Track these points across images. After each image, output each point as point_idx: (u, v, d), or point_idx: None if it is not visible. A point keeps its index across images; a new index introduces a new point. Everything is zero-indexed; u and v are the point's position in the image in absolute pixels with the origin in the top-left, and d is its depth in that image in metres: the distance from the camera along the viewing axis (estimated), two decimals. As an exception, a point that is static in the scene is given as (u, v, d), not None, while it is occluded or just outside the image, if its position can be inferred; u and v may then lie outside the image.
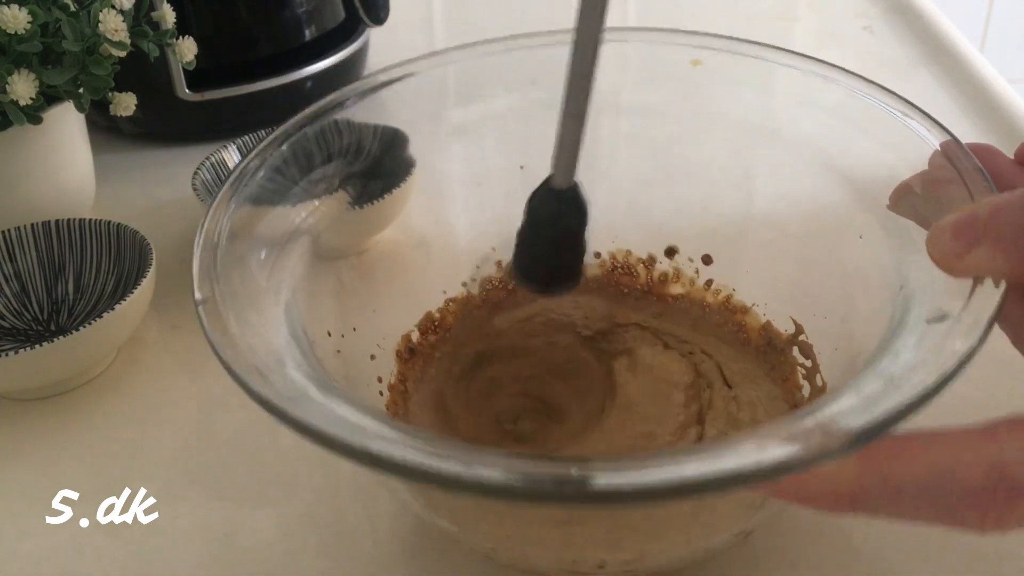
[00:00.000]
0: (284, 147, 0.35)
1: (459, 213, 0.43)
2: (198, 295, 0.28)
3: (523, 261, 0.31)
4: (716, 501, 0.32)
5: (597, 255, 0.43)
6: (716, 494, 0.21)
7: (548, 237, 0.30)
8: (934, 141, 0.32)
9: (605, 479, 0.22)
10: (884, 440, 0.21)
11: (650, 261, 0.43)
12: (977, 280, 0.25)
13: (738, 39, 0.38)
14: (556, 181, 0.28)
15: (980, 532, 0.21)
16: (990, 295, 0.25)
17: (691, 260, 0.42)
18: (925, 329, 0.26)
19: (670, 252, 0.42)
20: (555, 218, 0.29)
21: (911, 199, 0.31)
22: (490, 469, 0.22)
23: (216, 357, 0.26)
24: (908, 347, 0.25)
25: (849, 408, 0.22)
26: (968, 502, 0.21)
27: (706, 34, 0.38)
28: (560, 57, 0.40)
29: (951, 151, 0.30)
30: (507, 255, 0.41)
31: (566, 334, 0.41)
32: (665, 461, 0.21)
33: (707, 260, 0.42)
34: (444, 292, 0.42)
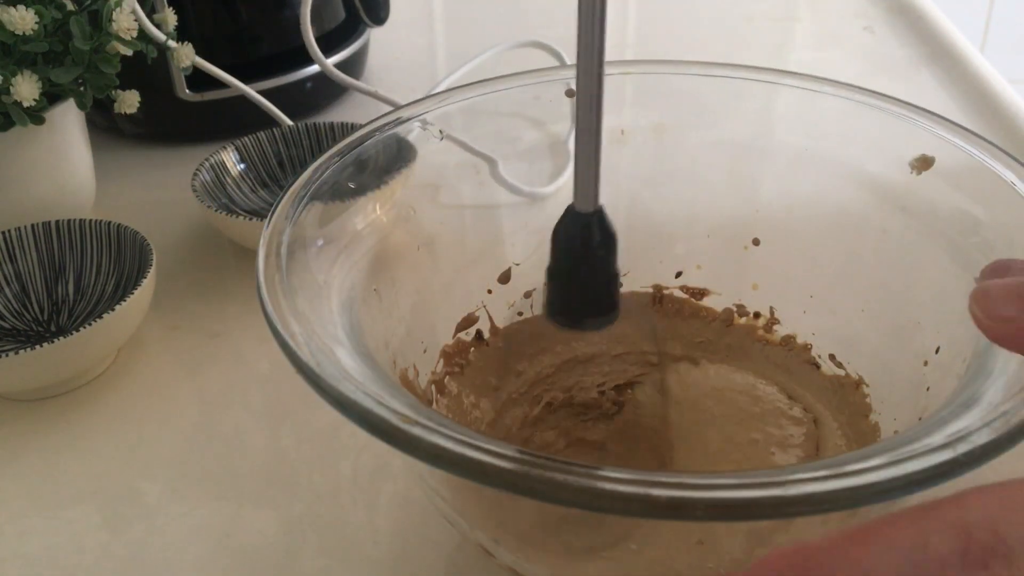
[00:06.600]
0: (349, 155, 0.35)
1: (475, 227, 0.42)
2: (261, 279, 0.28)
3: (554, 296, 0.28)
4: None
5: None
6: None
7: (578, 267, 0.27)
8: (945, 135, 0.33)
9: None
10: (849, 528, 0.20)
11: (699, 294, 0.42)
12: None
13: (732, 64, 0.38)
14: (578, 206, 0.27)
15: None
16: None
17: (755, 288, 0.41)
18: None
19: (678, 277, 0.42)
20: (582, 245, 0.27)
21: None
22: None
23: (277, 342, 0.26)
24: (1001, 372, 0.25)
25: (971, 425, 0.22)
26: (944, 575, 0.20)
27: (703, 63, 0.38)
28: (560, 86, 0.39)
29: None
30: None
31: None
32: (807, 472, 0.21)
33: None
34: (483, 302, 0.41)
